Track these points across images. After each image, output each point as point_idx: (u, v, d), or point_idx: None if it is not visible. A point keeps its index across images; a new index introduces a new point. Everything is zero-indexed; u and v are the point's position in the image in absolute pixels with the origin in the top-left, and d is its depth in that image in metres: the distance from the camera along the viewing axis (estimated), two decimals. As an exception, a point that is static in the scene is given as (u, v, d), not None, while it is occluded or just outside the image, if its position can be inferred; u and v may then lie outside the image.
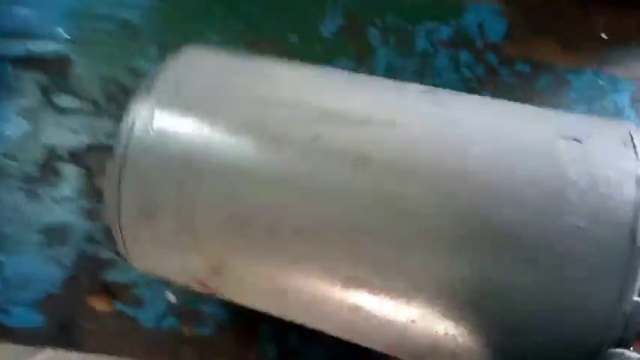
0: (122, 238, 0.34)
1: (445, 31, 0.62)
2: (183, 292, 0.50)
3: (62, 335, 0.49)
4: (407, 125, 0.31)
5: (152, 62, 0.59)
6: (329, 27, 0.61)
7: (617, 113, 0.57)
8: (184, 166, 0.32)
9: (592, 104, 0.58)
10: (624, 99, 0.58)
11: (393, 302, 0.30)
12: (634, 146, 0.29)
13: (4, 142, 0.55)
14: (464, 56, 0.61)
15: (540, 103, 0.36)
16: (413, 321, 0.30)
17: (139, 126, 0.33)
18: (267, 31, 0.61)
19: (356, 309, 0.31)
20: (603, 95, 0.59)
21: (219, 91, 0.34)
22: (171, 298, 0.50)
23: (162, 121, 0.33)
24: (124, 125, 0.33)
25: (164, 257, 0.34)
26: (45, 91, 0.57)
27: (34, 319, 0.49)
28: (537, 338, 0.27)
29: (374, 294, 0.30)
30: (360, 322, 0.32)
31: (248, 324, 0.49)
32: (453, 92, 0.36)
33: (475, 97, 0.36)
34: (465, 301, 0.28)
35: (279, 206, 0.30)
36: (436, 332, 0.30)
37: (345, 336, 0.35)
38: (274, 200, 0.30)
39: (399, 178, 0.29)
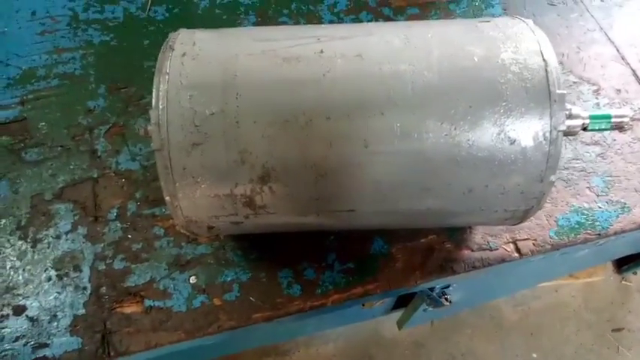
0: (172, 176, 0.40)
1: (342, 3, 0.73)
2: (204, 270, 0.55)
3: (103, 347, 0.51)
4: (380, 34, 0.42)
5: (105, 99, 0.65)
6: (246, 25, 0.71)
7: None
8: (225, 90, 0.39)
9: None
10: (497, 10, 0.72)
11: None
12: (533, 31, 0.42)
13: (-12, 205, 0.58)
14: (364, 16, 0.72)
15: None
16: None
17: (173, 73, 0.40)
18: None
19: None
20: (481, 12, 0.72)
21: (229, 40, 0.43)
22: (193, 279, 0.54)
23: (193, 63, 0.41)
24: (161, 74, 0.40)
25: (212, 185, 0.40)
26: (12, 152, 0.61)
27: (72, 343, 0.51)
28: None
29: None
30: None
31: (267, 276, 0.54)
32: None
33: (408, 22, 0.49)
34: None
35: (311, 100, 0.39)
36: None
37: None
38: (304, 97, 0.40)
39: (389, 60, 0.41)
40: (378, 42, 0.43)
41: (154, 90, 0.41)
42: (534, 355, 1.38)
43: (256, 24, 0.71)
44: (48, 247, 0.56)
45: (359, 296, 0.54)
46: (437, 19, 0.71)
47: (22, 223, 0.57)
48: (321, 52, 0.42)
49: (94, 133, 0.63)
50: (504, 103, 0.39)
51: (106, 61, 0.68)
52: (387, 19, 0.71)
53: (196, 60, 0.41)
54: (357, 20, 0.71)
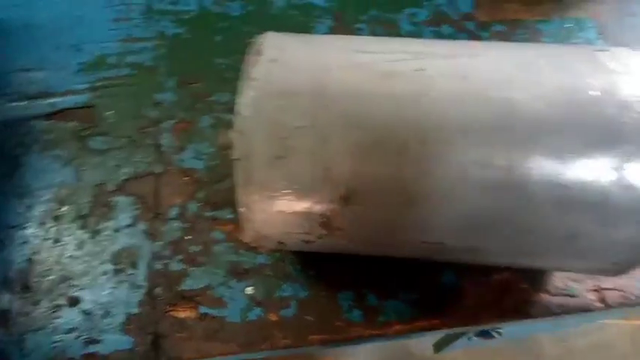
0: (251, 188, 0.38)
1: (423, 14, 0.70)
2: (261, 282, 0.52)
3: (155, 349, 0.50)
4: (484, 55, 0.38)
5: (174, 93, 0.63)
6: (321, 30, 0.68)
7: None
8: (315, 103, 0.37)
9: (565, 43, 0.67)
10: (591, 34, 0.67)
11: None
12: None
13: (52, 191, 0.57)
14: (445, 29, 0.68)
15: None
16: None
17: (261, 80, 0.38)
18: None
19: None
20: (572, 35, 0.67)
21: (320, 48, 0.40)
22: (250, 290, 0.52)
23: (282, 70, 0.38)
24: (248, 79, 0.38)
25: (291, 201, 0.38)
26: (79, 138, 0.61)
27: (124, 342, 0.50)
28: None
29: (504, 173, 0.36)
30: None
31: (327, 296, 0.52)
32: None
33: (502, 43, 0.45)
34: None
35: (408, 121, 0.37)
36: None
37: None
38: (401, 117, 0.37)
39: (498, 85, 0.37)
40: (485, 64, 0.39)
41: (239, 96, 0.39)
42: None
43: (332, 28, 0.68)
44: (107, 240, 0.55)
45: (422, 329, 0.50)
46: (524, 38, 0.67)
47: (84, 213, 0.56)
48: (422, 70, 0.38)
49: (159, 127, 0.61)
50: (625, 145, 0.35)
51: (176, 54, 0.67)
52: (470, 33, 0.67)
53: (286, 67, 0.39)
54: (438, 33, 0.67)
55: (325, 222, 0.39)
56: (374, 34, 0.68)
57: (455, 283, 0.52)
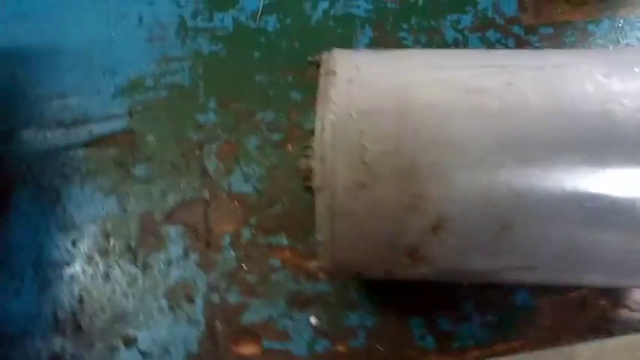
0: (333, 218, 0.35)
1: (467, 19, 0.67)
2: (326, 311, 0.50)
3: (220, 389, 0.47)
4: (574, 66, 0.35)
5: (215, 114, 0.61)
6: (362, 41, 0.66)
7: (645, 45, 0.63)
8: (400, 125, 0.35)
9: (618, 44, 0.64)
10: (644, 33, 0.65)
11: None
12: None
13: (97, 223, 0.55)
14: (492, 35, 0.66)
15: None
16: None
17: (340, 102, 0.35)
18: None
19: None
20: (625, 35, 0.65)
21: (395, 65, 0.37)
22: (314, 321, 0.49)
23: (361, 92, 0.36)
24: (326, 102, 0.36)
25: (376, 231, 0.35)
26: (121, 166, 0.58)
27: (186, 382, 0.47)
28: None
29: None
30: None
31: (396, 323, 0.49)
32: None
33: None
34: None
35: (500, 140, 0.34)
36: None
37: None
38: (492, 136, 0.34)
39: (591, 98, 0.35)
40: (575, 75, 0.37)
41: (317, 120, 0.36)
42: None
43: (373, 39, 0.65)
44: (159, 274, 0.52)
45: (501, 354, 0.47)
46: (574, 40, 0.64)
47: (132, 245, 0.54)
48: (511, 84, 0.36)
49: (204, 150, 0.59)
50: None
51: (215, 73, 0.64)
52: (517, 38, 0.65)
53: (364, 88, 0.36)
54: (485, 39, 0.65)
55: (411, 252, 0.37)
56: (418, 42, 0.65)
57: (529, 302, 0.49)
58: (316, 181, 0.35)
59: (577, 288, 0.50)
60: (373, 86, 0.37)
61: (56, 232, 0.55)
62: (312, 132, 0.47)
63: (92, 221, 0.55)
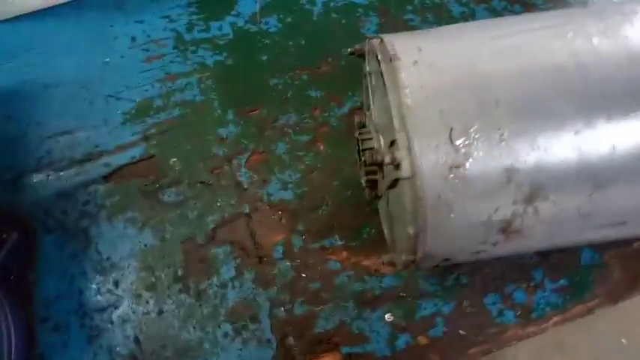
0: (425, 207, 0.33)
1: (467, -8, 0.67)
2: (398, 305, 0.48)
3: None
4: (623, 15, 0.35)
5: (236, 125, 0.58)
6: (370, 29, 0.64)
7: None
8: (480, 99, 0.34)
9: None
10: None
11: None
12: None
13: (136, 258, 0.51)
14: (497, 4, 0.66)
15: None
16: None
17: (413, 86, 0.34)
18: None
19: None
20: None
21: (452, 43, 0.36)
22: (389, 317, 0.48)
23: (431, 72, 0.35)
24: (399, 88, 0.34)
25: (469, 212, 0.34)
26: (148, 194, 0.55)
27: (272, 406, 0.45)
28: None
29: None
30: None
31: (472, 305, 0.48)
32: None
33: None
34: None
35: (585, 99, 0.34)
36: None
37: None
38: (577, 96, 0.34)
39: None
40: (617, 24, 0.36)
41: (393, 108, 0.34)
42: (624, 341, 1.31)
43: (380, 25, 0.64)
44: (215, 298, 0.49)
45: (580, 316, 0.47)
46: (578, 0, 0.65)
47: (180, 274, 0.51)
48: (575, 41, 0.35)
49: (233, 164, 0.56)
50: None
51: (226, 83, 0.61)
52: (523, 3, 0.65)
53: (433, 68, 0.35)
54: (492, 9, 0.65)
55: (504, 227, 0.36)
56: (425, 22, 0.65)
57: (597, 259, 0.49)
58: (404, 172, 0.33)
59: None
60: (441, 65, 0.35)
61: (94, 275, 0.51)
62: (360, 124, 0.45)
63: (131, 257, 0.52)
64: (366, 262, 0.50)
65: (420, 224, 0.35)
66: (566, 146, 0.34)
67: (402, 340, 0.47)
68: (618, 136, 0.33)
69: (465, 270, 0.49)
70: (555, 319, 0.47)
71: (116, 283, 0.51)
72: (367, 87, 0.45)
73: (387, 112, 0.38)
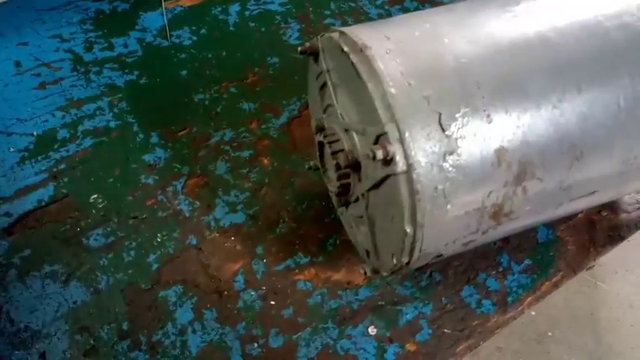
0: (422, 201, 0.31)
1: (379, -5, 0.67)
2: (378, 315, 0.45)
3: None
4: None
5: (164, 148, 0.52)
6: (292, 35, 0.62)
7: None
8: (462, 83, 0.32)
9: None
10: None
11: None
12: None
13: (64, 319, 0.42)
14: (409, 4, 0.67)
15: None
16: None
17: (392, 75, 0.32)
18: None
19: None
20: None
21: (419, 28, 0.36)
22: (372, 329, 0.45)
23: (406, 59, 0.33)
24: (376, 78, 0.32)
25: (464, 200, 0.32)
26: (68, 241, 0.46)
27: None
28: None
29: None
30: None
31: (451, 301, 0.47)
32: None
33: None
34: None
35: (557, 73, 0.34)
36: None
37: None
38: (551, 72, 0.34)
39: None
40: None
41: (376, 100, 0.32)
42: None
43: (301, 31, 0.62)
44: (174, 349, 0.42)
45: (552, 288, 0.48)
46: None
47: (125, 328, 0.43)
48: (537, 17, 0.36)
49: (168, 192, 0.49)
50: None
51: (143, 104, 0.54)
52: (433, 3, 0.67)
53: (408, 55, 0.33)
54: (404, 9, 0.66)
55: (496, 211, 0.35)
56: (347, 25, 0.63)
57: (551, 235, 0.51)
58: (399, 166, 0.31)
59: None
60: (414, 51, 0.34)
61: (11, 351, 0.41)
62: (319, 128, 0.42)
63: (57, 319, 0.42)
64: (337, 276, 0.47)
65: (419, 220, 0.32)
66: (546, 120, 0.34)
67: (390, 352, 0.44)
68: (588, 105, 0.34)
69: (436, 267, 0.48)
70: (530, 299, 0.47)
71: (43, 356, 0.41)
72: (321, 87, 0.42)
73: (359, 107, 0.35)
